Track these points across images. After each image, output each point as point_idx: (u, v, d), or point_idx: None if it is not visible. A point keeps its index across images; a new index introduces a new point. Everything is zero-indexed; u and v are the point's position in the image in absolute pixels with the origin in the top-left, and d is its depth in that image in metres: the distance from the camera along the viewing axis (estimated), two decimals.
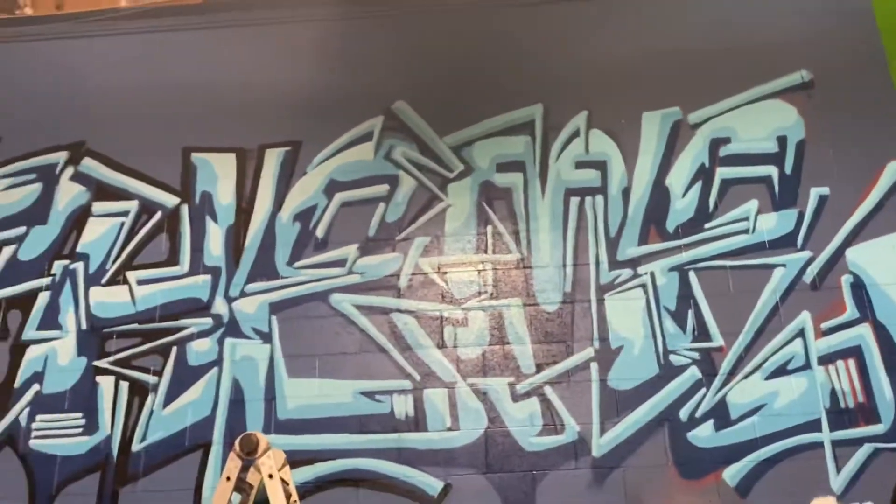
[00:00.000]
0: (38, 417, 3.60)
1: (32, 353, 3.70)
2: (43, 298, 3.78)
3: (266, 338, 3.71)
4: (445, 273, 3.81)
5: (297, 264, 3.82)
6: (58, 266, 3.83)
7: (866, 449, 3.44)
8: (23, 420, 3.61)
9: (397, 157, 4.01)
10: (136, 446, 3.57)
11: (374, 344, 3.69)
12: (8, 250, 3.88)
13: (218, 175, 3.97)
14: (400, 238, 3.86)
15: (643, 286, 3.74)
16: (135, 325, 3.72)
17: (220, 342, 3.71)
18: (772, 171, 3.89)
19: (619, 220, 3.85)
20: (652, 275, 3.75)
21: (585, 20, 4.18)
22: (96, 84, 4.15)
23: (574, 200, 3.89)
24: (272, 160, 3.99)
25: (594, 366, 3.63)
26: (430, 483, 3.50)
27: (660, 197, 3.87)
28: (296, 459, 3.47)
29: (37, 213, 3.92)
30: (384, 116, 4.07)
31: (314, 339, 3.70)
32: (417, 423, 3.58)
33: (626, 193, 3.88)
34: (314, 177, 3.97)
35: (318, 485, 3.51)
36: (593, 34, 4.16)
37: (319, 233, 3.86)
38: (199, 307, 3.75)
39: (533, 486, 3.47)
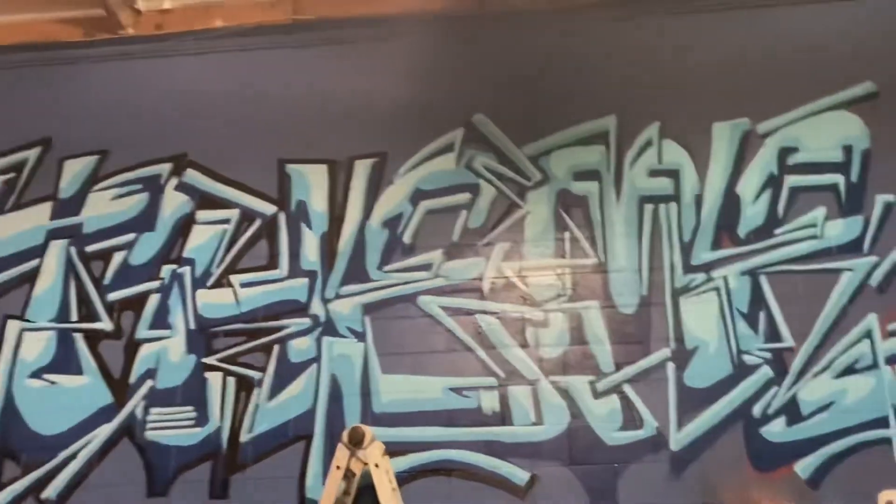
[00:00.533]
0: (153, 410, 3.89)
1: (145, 350, 4.01)
2: (154, 300, 4.07)
3: (360, 337, 3.97)
4: (526, 277, 4.04)
5: (386, 268, 4.07)
6: (166, 270, 4.12)
7: None
8: (139, 413, 3.91)
9: (478, 167, 4.24)
10: (243, 437, 3.84)
11: (460, 343, 3.93)
12: (119, 255, 4.17)
13: (311, 185, 4.23)
14: (482, 243, 4.09)
15: (717, 290, 3.93)
16: (239, 325, 4.00)
17: (318, 340, 3.97)
18: (838, 179, 4.05)
19: (692, 226, 4.04)
20: (725, 279, 3.94)
21: (657, 35, 4.37)
22: (195, 99, 4.43)
23: (648, 207, 4.10)
24: (361, 170, 4.25)
25: (670, 365, 3.84)
26: (518, 474, 3.73)
27: (731, 204, 4.06)
28: (392, 450, 3.69)
29: (145, 221, 4.22)
30: (465, 128, 4.30)
31: (404, 338, 3.96)
32: (504, 417, 3.81)
33: (698, 201, 4.07)
34: (400, 186, 4.22)
35: (413, 474, 3.75)
36: (664, 48, 4.35)
37: (406, 238, 4.12)
38: (297, 308, 4.02)
39: (615, 478, 3.70)
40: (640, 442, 3.72)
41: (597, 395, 3.81)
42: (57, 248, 4.24)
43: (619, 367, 3.85)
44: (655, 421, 3.74)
